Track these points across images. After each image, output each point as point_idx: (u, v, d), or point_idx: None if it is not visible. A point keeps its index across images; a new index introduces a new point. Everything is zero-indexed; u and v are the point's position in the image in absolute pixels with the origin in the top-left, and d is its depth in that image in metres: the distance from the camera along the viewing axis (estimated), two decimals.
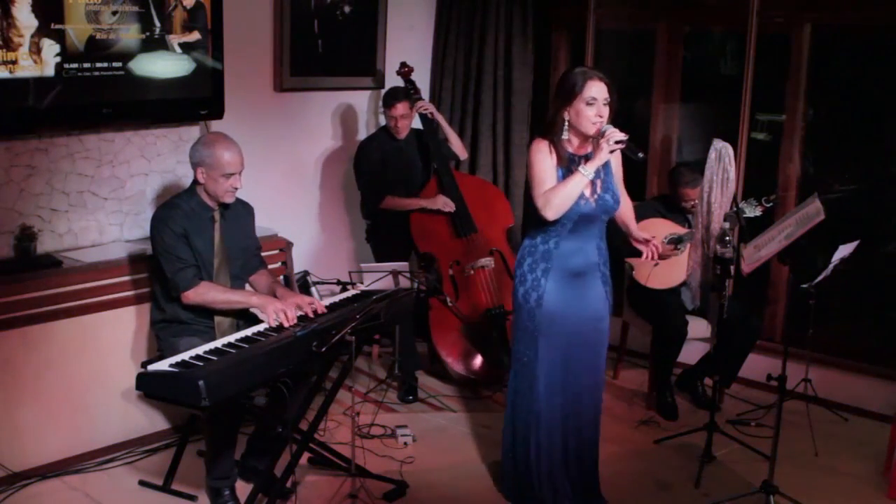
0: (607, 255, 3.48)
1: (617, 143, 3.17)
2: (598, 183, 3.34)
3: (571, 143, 3.33)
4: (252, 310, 3.61)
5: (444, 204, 4.84)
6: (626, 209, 3.56)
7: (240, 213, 3.72)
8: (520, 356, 3.48)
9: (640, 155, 3.24)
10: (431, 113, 4.93)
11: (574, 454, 3.54)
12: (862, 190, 5.16)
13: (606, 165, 3.35)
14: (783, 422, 3.62)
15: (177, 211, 3.53)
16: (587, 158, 3.28)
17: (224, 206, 3.60)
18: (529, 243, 3.42)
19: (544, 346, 3.38)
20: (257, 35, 4.81)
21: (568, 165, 3.30)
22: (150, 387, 3.04)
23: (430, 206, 4.84)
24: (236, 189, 3.55)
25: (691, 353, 4.77)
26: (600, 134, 3.21)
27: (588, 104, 3.21)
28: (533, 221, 3.41)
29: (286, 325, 3.36)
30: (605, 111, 3.23)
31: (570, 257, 3.36)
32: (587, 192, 3.31)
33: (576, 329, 3.40)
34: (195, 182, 3.56)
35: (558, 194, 3.22)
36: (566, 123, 3.27)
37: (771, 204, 4.19)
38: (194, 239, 3.53)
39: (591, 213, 3.33)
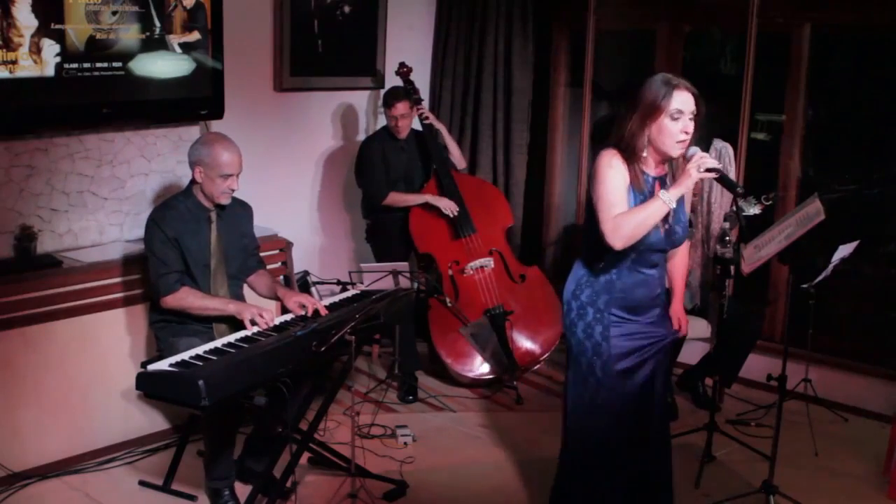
0: (666, 281, 3.16)
1: (708, 170, 2.73)
2: (671, 213, 2.88)
3: (647, 162, 2.90)
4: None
5: (448, 206, 4.84)
6: (680, 263, 3.21)
7: (237, 213, 3.72)
8: (583, 397, 3.02)
9: (740, 189, 2.86)
10: (431, 123, 4.93)
11: (646, 478, 3.16)
12: (862, 190, 5.16)
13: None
14: (783, 422, 3.61)
15: (172, 212, 3.53)
16: (661, 181, 2.90)
17: (221, 207, 3.59)
18: (586, 273, 3.00)
19: (614, 379, 2.96)
20: (257, 35, 4.81)
21: (642, 189, 2.86)
22: (149, 387, 3.04)
23: (434, 202, 4.84)
24: (233, 190, 3.55)
25: (691, 353, 4.77)
26: (685, 157, 2.82)
27: (673, 119, 2.78)
28: (590, 246, 2.96)
29: (263, 327, 3.37)
30: (691, 127, 2.80)
31: (633, 289, 2.95)
32: (659, 221, 2.88)
33: (645, 357, 3.01)
34: (192, 182, 3.56)
35: (632, 221, 2.77)
36: (646, 140, 2.85)
37: (770, 202, 4.19)
38: (189, 240, 3.52)
39: (660, 244, 2.93)
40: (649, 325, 3.01)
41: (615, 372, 2.96)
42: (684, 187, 2.78)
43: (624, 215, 2.79)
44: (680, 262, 3.26)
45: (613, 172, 2.84)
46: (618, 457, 3.06)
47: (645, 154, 2.87)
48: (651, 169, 2.91)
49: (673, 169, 2.95)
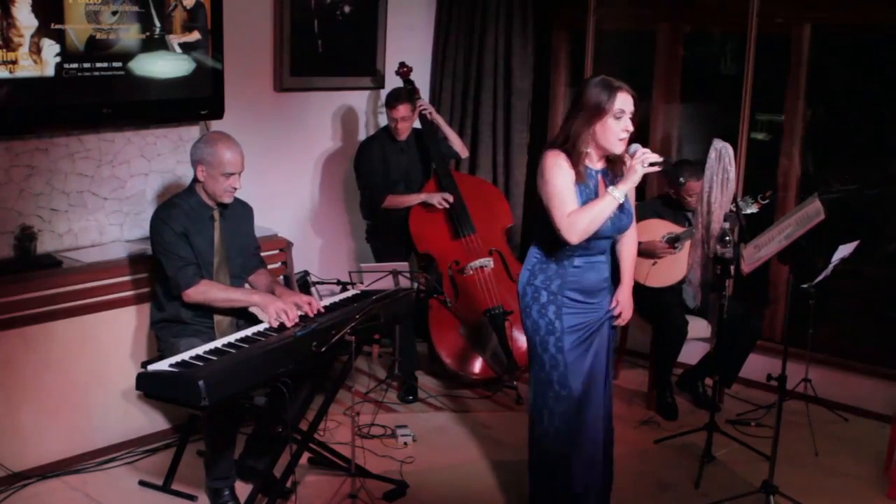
0: (611, 263, 3.34)
1: (652, 164, 2.98)
2: None
3: (590, 159, 3.13)
4: (252, 309, 3.61)
5: (440, 200, 4.83)
6: (627, 250, 3.37)
7: (239, 212, 3.73)
8: (541, 374, 3.24)
9: (682, 180, 3.10)
10: (430, 113, 4.93)
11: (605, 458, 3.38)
12: (862, 190, 5.16)
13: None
14: (783, 422, 3.62)
15: (176, 210, 3.54)
16: (603, 174, 3.14)
17: (223, 206, 3.60)
18: (538, 261, 3.22)
19: (566, 355, 3.19)
20: (257, 35, 4.82)
21: (586, 182, 3.09)
22: (150, 387, 3.04)
23: (429, 199, 4.84)
24: (235, 189, 3.55)
25: (691, 353, 4.77)
26: (628, 153, 3.05)
27: (616, 118, 3.01)
28: (543, 237, 3.19)
29: (288, 324, 3.37)
30: (631, 125, 3.03)
31: (584, 274, 3.18)
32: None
33: (591, 331, 3.23)
34: (195, 181, 3.57)
35: (585, 218, 3.01)
36: (589, 138, 3.06)
37: (767, 201, 4.19)
38: (194, 238, 3.53)
39: (606, 232, 3.14)
40: (595, 304, 3.25)
41: (566, 348, 3.19)
42: (631, 182, 3.02)
43: (578, 213, 3.04)
44: (626, 248, 3.40)
45: (559, 172, 3.06)
46: (581, 428, 3.24)
47: (588, 150, 3.09)
48: (594, 164, 3.15)
49: (613, 164, 3.16)
